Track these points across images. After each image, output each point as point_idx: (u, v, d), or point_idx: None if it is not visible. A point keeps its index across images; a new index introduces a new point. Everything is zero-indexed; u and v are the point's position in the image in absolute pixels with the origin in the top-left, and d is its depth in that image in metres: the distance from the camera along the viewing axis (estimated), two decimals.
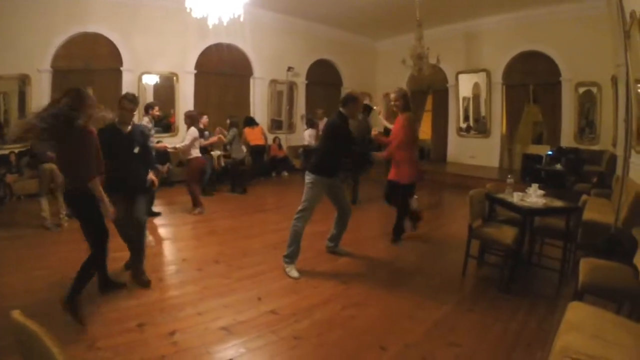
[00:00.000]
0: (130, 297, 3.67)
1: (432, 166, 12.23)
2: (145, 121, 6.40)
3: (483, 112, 12.13)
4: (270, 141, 11.30)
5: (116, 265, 4.15)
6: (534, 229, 4.66)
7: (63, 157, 3.26)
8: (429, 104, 13.99)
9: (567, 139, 10.24)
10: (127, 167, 3.82)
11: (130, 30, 9.25)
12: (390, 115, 6.72)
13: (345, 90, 13.86)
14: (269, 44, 11.72)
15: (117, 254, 4.10)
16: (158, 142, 7.29)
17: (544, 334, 3.16)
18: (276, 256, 4.61)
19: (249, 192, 8.85)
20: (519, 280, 4.25)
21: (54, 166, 5.55)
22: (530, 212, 4.20)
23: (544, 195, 4.40)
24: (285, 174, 11.45)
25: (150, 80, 9.91)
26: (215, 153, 9.09)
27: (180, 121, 9.75)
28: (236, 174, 8.88)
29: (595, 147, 9.57)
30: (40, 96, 8.00)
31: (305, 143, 10.59)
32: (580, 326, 2.34)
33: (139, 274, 3.97)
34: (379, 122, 6.58)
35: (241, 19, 6.57)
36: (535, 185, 4.50)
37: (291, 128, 12.75)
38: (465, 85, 12.49)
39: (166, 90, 10.07)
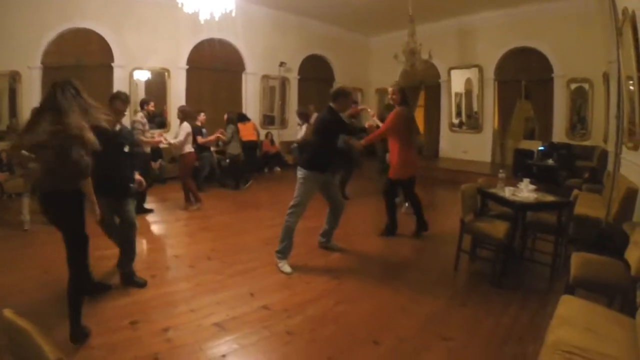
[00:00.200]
0: (123, 295, 3.65)
1: (424, 161, 12.23)
2: (140, 116, 6.35)
3: (475, 107, 12.15)
4: (262, 137, 11.28)
5: (103, 263, 4.13)
6: (526, 224, 4.69)
7: (54, 157, 2.84)
8: (421, 100, 13.99)
9: (559, 134, 10.29)
10: (116, 167, 3.71)
11: (121, 26, 9.15)
12: (385, 111, 6.73)
13: (337, 85, 13.87)
14: (261, 39, 11.67)
15: (107, 251, 4.08)
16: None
17: (536, 328, 3.18)
18: (269, 252, 4.60)
19: (241, 187, 8.83)
20: (511, 274, 4.28)
21: None
22: (522, 207, 4.22)
23: (536, 190, 4.43)
24: (278, 169, 11.43)
25: (142, 76, 9.81)
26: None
27: (172, 117, 9.71)
28: (237, 170, 8.85)
29: (587, 143, 9.62)
30: (31, 93, 7.92)
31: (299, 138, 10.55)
32: (572, 320, 2.36)
33: (131, 275, 3.92)
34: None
35: (233, 14, 6.54)
36: (526, 180, 4.53)
37: (283, 124, 12.71)
38: (458, 81, 12.50)
39: (158, 86, 9.97)
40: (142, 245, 5.16)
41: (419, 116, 14.07)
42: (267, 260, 4.52)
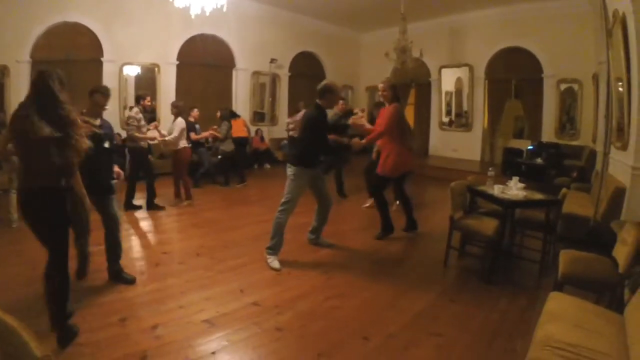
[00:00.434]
0: (112, 292, 3.62)
1: (414, 159, 12.28)
2: (135, 111, 6.30)
3: (465, 106, 12.21)
4: (252, 133, 11.23)
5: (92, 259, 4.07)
6: (515, 221, 4.73)
7: (43, 152, 2.67)
8: (411, 98, 14.04)
9: (548, 134, 10.39)
10: (97, 163, 3.52)
11: (111, 20, 9.05)
12: (375, 109, 6.70)
13: (324, 82, 13.82)
14: (252, 35, 11.61)
15: (94, 248, 4.05)
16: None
17: (525, 324, 3.20)
18: (258, 248, 4.59)
19: (231, 184, 8.79)
20: (500, 271, 4.31)
21: None
22: (510, 204, 4.26)
23: (525, 188, 4.46)
24: (268, 166, 11.41)
25: (132, 71, 9.73)
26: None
27: (162, 112, 9.65)
28: (228, 167, 8.82)
29: (576, 143, 9.73)
30: (19, 88, 7.80)
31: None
32: (561, 316, 2.38)
33: (119, 272, 3.88)
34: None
35: (224, 9, 6.50)
36: (515, 178, 4.57)
37: (273, 120, 12.67)
38: (448, 80, 12.55)
39: (147, 81, 9.88)
40: (130, 241, 5.14)
41: (409, 114, 14.14)
42: (256, 256, 4.51)
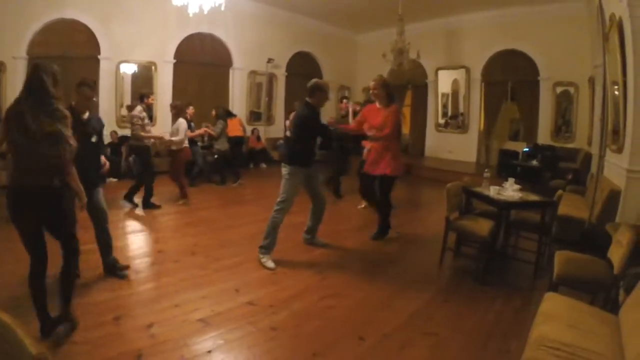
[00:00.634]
0: (106, 290, 3.60)
1: (410, 160, 12.33)
2: (138, 110, 6.29)
3: (462, 108, 12.25)
4: (248, 133, 11.21)
5: (86, 257, 4.05)
6: (510, 222, 4.75)
7: (39, 149, 2.64)
8: (408, 99, 14.07)
9: (544, 136, 10.44)
10: (84, 157, 3.39)
11: (109, 18, 9.01)
12: (361, 106, 6.55)
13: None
14: (249, 34, 11.60)
15: (90, 246, 4.02)
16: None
17: (519, 325, 3.21)
18: (253, 247, 4.56)
19: (227, 183, 8.79)
20: (495, 272, 4.33)
21: None
22: (506, 206, 4.28)
23: (520, 190, 4.48)
24: (264, 165, 11.40)
25: (128, 69, 9.69)
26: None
27: (158, 111, 9.61)
28: (224, 166, 8.81)
29: (571, 145, 9.78)
30: (15, 84, 7.74)
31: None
32: (556, 316, 2.39)
33: (114, 264, 3.90)
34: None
35: (222, 8, 6.49)
36: (511, 180, 4.59)
37: (270, 120, 12.66)
38: (445, 81, 12.58)
39: (144, 79, 9.83)
40: (126, 240, 5.12)
41: (406, 116, 14.19)
42: (251, 255, 4.49)
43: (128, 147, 8.67)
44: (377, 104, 5.13)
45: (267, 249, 4.38)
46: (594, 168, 6.58)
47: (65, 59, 8.29)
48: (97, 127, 3.89)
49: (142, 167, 6.70)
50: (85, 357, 2.61)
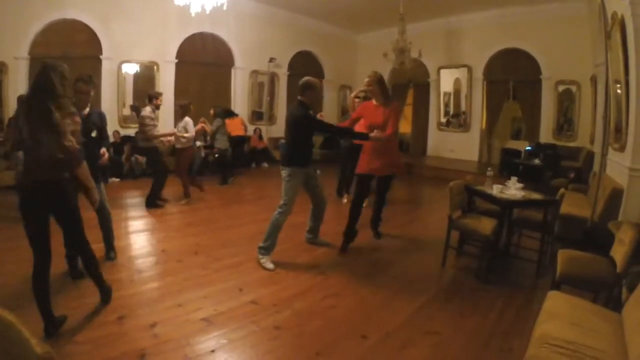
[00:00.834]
0: None
1: (412, 159, 12.37)
2: (148, 111, 6.32)
3: (463, 107, 12.25)
4: (250, 132, 11.24)
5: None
6: (512, 221, 4.74)
7: (50, 145, 2.75)
8: (410, 98, 14.07)
9: (546, 135, 10.43)
10: (85, 152, 3.45)
11: (110, 18, 9.04)
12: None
13: (327, 83, 13.87)
14: (251, 34, 11.61)
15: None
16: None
17: (521, 324, 3.22)
18: (254, 247, 4.53)
19: (231, 182, 8.81)
20: (497, 270, 4.32)
21: None
22: (509, 204, 4.27)
23: (523, 188, 4.47)
24: (265, 165, 11.42)
25: (130, 69, 9.72)
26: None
27: (160, 111, 9.58)
28: (225, 165, 8.82)
29: (573, 144, 9.77)
30: (17, 84, 7.80)
31: None
32: (559, 314, 2.39)
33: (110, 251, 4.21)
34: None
35: (224, 8, 6.49)
36: (514, 178, 4.58)
37: (272, 119, 12.67)
38: (447, 80, 12.58)
39: (146, 79, 9.88)
40: (129, 239, 5.13)
41: (407, 114, 14.20)
42: (253, 255, 4.47)
43: (132, 148, 8.72)
44: (374, 101, 4.93)
45: (266, 250, 4.35)
46: (596, 166, 6.57)
47: (66, 59, 8.13)
48: (98, 121, 3.94)
49: (153, 168, 6.73)
50: (88, 356, 2.62)
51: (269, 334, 2.99)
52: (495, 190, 4.41)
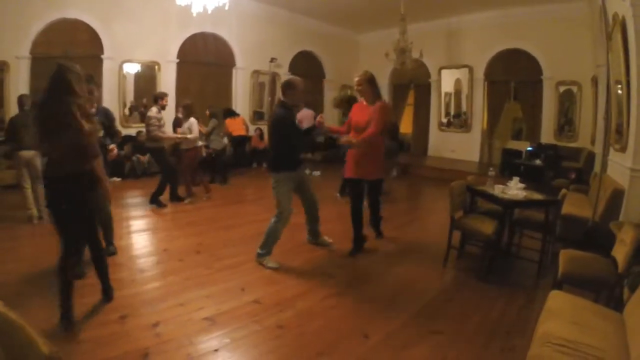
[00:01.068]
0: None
1: (412, 159, 12.38)
2: (154, 111, 6.34)
3: (464, 107, 12.24)
4: (251, 132, 11.24)
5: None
6: (514, 221, 4.75)
7: (65, 141, 2.88)
8: (410, 98, 14.08)
9: (547, 135, 10.42)
10: None
11: (111, 17, 9.02)
12: (345, 104, 6.28)
13: (327, 82, 13.87)
14: (252, 34, 11.60)
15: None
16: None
17: (523, 323, 3.23)
18: (255, 247, 4.51)
19: (231, 182, 8.81)
20: (498, 270, 4.33)
21: (32, 154, 5.41)
22: (511, 204, 4.28)
23: (525, 189, 4.48)
24: (266, 165, 11.39)
25: (131, 69, 9.72)
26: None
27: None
28: (217, 165, 8.82)
29: (574, 145, 9.75)
30: (19, 84, 7.81)
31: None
32: (561, 313, 2.41)
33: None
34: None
35: (226, 8, 6.50)
36: (516, 179, 4.58)
37: None
38: (448, 81, 12.57)
39: (147, 79, 9.89)
40: (131, 238, 5.16)
41: (408, 115, 14.21)
42: (254, 255, 4.46)
43: (133, 147, 8.73)
44: (364, 101, 4.70)
45: (264, 255, 4.32)
46: (597, 167, 6.58)
47: (67, 59, 8.22)
48: (105, 120, 3.97)
49: (160, 167, 6.75)
50: (91, 355, 2.63)
51: (271, 334, 3.00)
52: (497, 190, 4.42)
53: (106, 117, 4.09)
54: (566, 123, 10.30)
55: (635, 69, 4.44)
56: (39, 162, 5.44)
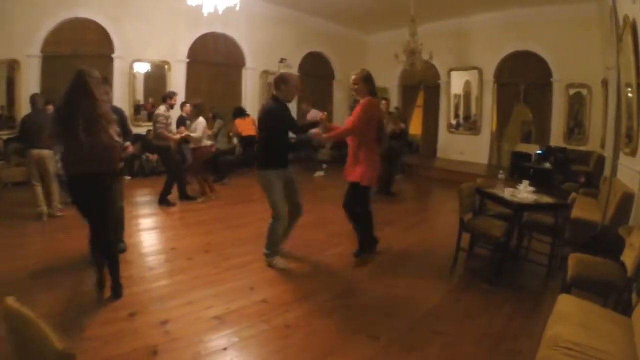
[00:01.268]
0: None
1: (421, 161, 12.36)
2: (163, 110, 6.39)
3: (474, 109, 12.19)
4: None
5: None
6: (523, 224, 4.74)
7: (92, 142, 3.07)
8: (420, 100, 14.04)
9: (556, 139, 10.34)
10: None
11: (122, 16, 9.09)
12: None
13: (337, 83, 13.88)
14: (262, 35, 11.62)
15: None
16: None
17: (531, 326, 3.21)
18: (263, 246, 4.49)
19: (238, 182, 8.85)
20: (507, 273, 4.32)
21: (43, 152, 5.48)
22: (520, 208, 4.26)
23: (534, 192, 4.46)
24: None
25: (142, 68, 9.79)
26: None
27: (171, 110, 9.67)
28: (219, 165, 8.84)
29: (584, 148, 9.68)
30: (30, 82, 7.90)
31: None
32: (570, 317, 2.40)
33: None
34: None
35: (237, 9, 6.53)
36: (526, 182, 4.57)
37: None
38: (457, 83, 12.52)
39: (157, 79, 9.94)
40: (140, 237, 5.19)
41: (418, 116, 14.17)
42: (262, 255, 4.46)
43: (143, 146, 8.78)
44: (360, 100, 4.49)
45: (272, 254, 4.32)
46: (607, 171, 6.53)
47: (78, 58, 8.36)
48: (118, 119, 4.01)
49: (166, 167, 6.79)
50: (100, 352, 2.66)
51: (279, 333, 3.02)
52: (507, 193, 4.41)
53: (119, 116, 4.14)
54: (576, 126, 10.22)
55: None
56: (52, 161, 5.51)
